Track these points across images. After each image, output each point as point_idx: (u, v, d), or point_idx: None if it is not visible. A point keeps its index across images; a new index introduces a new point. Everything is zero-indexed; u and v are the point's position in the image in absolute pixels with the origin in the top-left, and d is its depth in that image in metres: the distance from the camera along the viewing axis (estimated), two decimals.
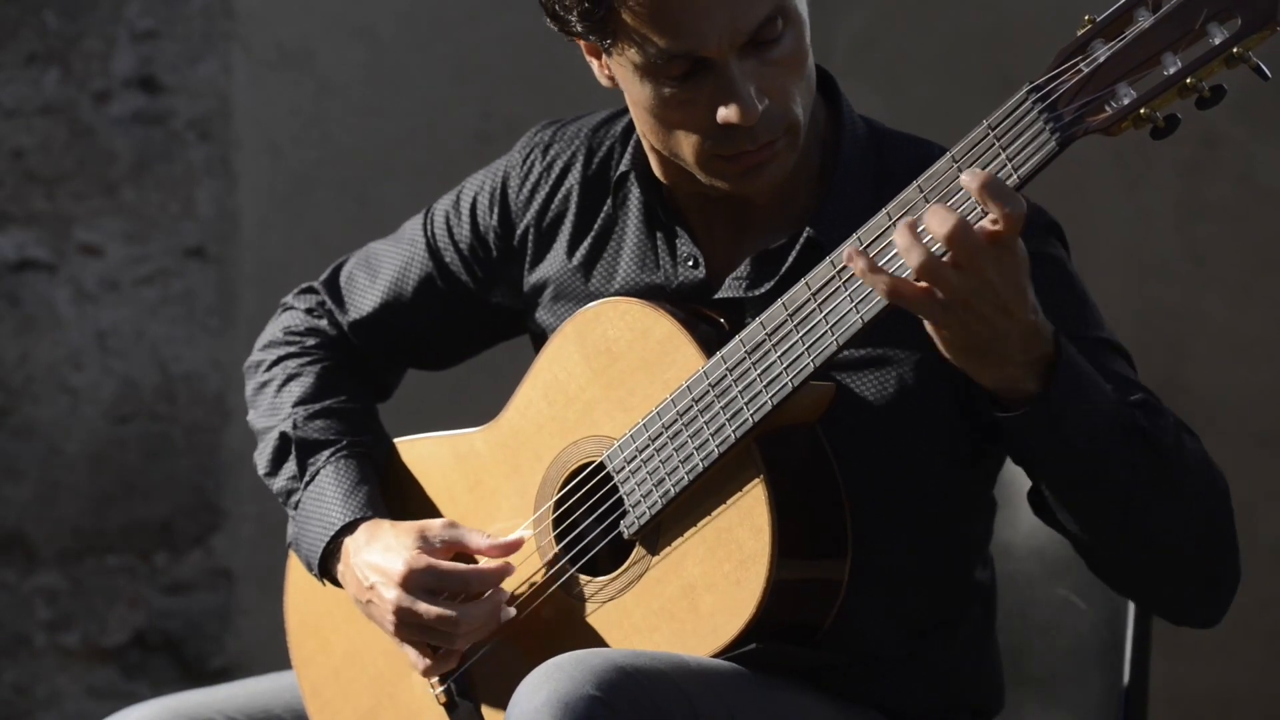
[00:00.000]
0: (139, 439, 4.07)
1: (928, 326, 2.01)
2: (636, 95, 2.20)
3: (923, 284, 1.98)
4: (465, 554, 2.32)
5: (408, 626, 2.27)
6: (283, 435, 2.44)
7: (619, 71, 2.21)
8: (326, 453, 2.41)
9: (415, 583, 2.25)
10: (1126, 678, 2.52)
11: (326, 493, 2.38)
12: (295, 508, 2.41)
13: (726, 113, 2.15)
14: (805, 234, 2.24)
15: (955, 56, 3.87)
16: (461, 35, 3.97)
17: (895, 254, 2.03)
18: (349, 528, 2.35)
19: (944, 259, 1.96)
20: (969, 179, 1.95)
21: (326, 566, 2.38)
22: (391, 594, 2.26)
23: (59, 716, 4.07)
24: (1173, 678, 3.58)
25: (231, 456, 4.05)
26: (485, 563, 2.29)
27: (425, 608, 2.25)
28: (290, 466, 2.42)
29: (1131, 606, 2.52)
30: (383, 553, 2.29)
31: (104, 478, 4.07)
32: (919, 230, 1.98)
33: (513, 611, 2.26)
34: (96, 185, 4.03)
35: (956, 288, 1.96)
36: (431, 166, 3.91)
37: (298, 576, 2.49)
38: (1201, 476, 2.10)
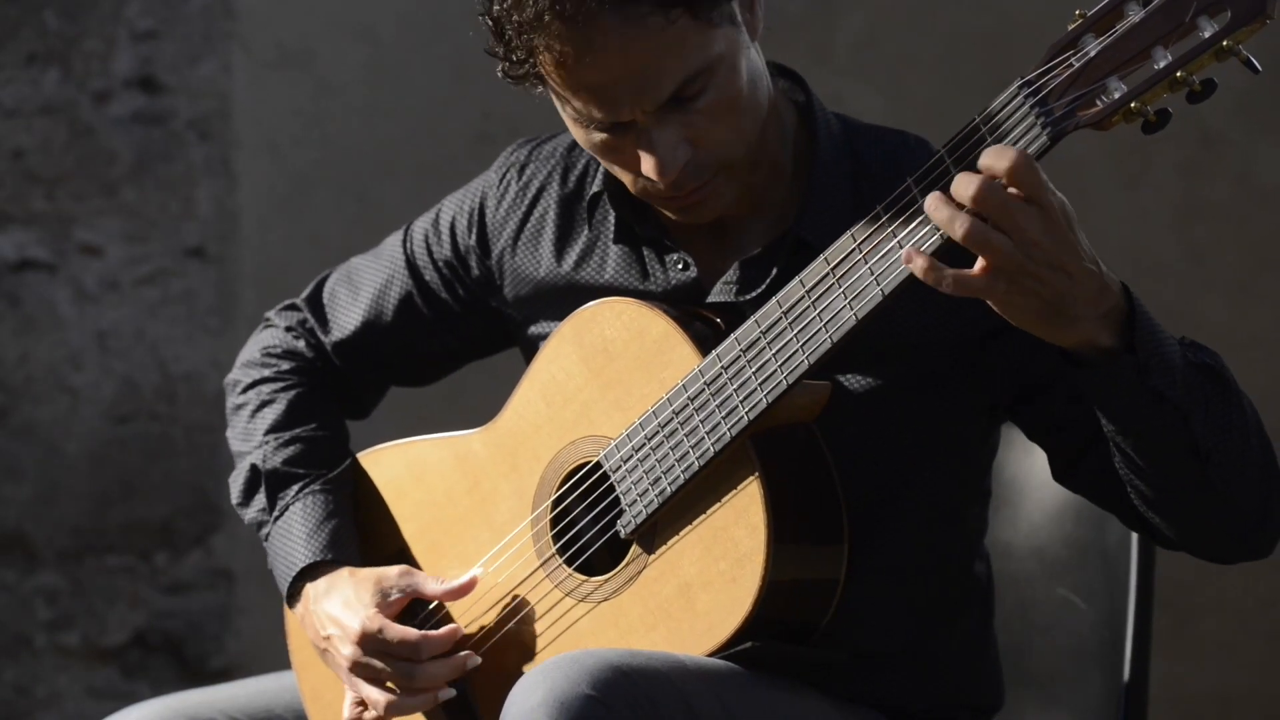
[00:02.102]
0: (139, 439, 4.07)
1: (990, 302, 1.98)
2: (572, 134, 2.23)
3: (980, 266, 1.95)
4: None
5: (363, 680, 2.32)
6: (253, 467, 2.48)
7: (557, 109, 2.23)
8: (295, 488, 2.45)
9: (370, 645, 2.30)
10: (1126, 678, 2.52)
11: (293, 530, 2.42)
12: (266, 539, 2.46)
13: (646, 168, 2.17)
14: (792, 234, 2.24)
15: (955, 56, 3.87)
16: (461, 35, 3.93)
17: (892, 248, 2.03)
18: (309, 571, 2.39)
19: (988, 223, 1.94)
20: (986, 159, 1.94)
21: (291, 604, 2.43)
22: (348, 650, 2.31)
23: (59, 716, 4.07)
24: (1173, 678, 3.57)
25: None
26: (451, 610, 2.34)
27: (381, 665, 2.30)
28: (260, 499, 2.47)
29: (1132, 606, 2.52)
30: (342, 607, 2.33)
31: (104, 478, 4.06)
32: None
33: (478, 659, 2.29)
34: (96, 185, 4.03)
35: (1006, 253, 1.94)
36: (431, 166, 3.91)
37: None
38: (1251, 406, 2.10)
